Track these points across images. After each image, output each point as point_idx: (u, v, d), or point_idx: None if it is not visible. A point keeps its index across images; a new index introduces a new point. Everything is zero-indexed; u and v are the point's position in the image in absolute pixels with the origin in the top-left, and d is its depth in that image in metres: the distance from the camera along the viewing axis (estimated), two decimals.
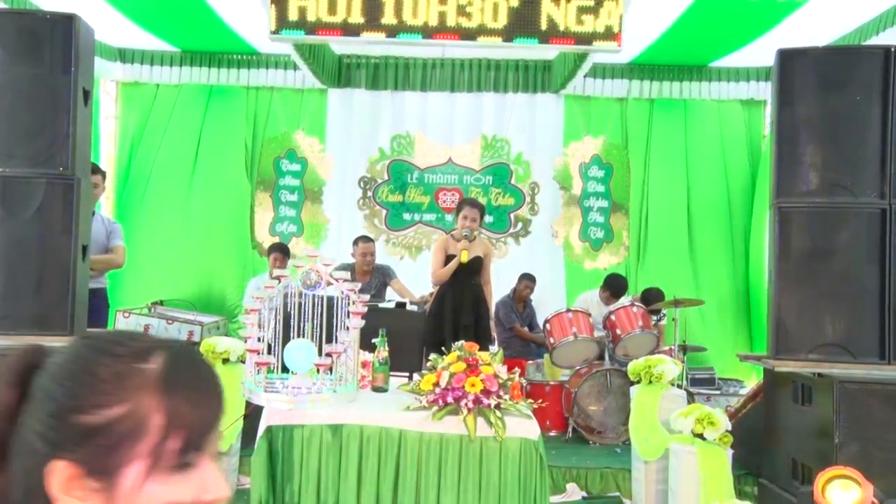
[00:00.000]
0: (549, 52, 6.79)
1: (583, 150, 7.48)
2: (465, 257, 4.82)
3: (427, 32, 4.99)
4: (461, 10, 4.97)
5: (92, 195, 4.14)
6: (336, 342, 3.16)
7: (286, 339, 3.18)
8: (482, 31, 5.01)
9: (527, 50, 6.41)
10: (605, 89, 7.27)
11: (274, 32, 5.02)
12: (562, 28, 5.03)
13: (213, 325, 6.01)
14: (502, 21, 4.99)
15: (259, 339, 3.14)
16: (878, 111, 3.70)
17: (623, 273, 6.91)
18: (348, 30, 5.02)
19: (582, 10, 4.97)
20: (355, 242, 6.01)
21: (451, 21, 4.99)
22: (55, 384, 0.72)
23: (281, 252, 6.37)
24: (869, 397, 3.40)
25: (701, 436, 3.38)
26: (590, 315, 5.58)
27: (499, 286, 6.08)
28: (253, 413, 3.87)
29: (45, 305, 3.56)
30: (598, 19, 5.01)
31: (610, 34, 5.02)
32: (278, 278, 3.26)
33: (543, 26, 5.00)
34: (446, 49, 6.90)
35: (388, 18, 4.99)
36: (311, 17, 5.03)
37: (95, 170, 4.41)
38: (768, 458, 4.02)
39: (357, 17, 5.00)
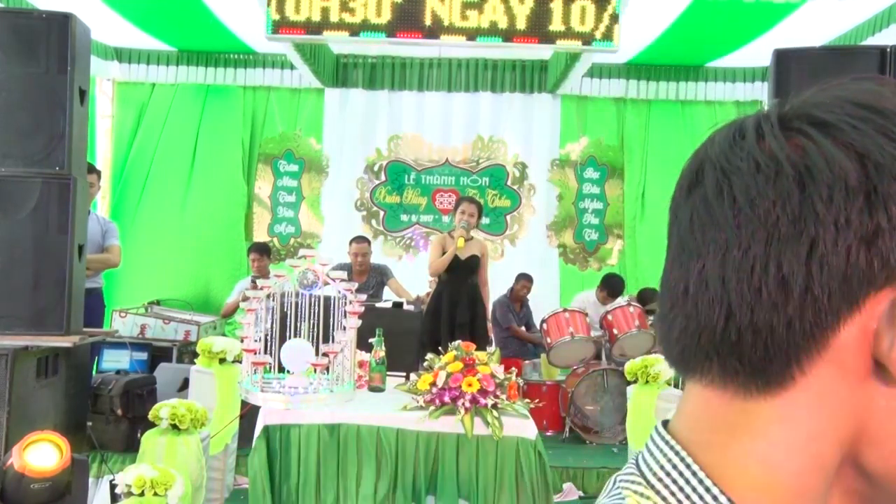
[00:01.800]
0: (546, 51, 6.80)
1: (579, 151, 7.49)
2: (461, 244, 4.83)
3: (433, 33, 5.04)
4: (465, 7, 5.01)
5: (88, 194, 4.14)
6: (333, 342, 3.16)
7: (283, 338, 3.18)
8: (482, 31, 5.05)
9: (525, 49, 6.43)
10: (602, 89, 7.28)
11: (270, 32, 5.03)
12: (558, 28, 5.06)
13: (209, 324, 6.00)
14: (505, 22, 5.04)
15: (256, 339, 3.13)
16: None
17: (618, 273, 6.91)
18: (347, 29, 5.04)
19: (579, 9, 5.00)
20: (350, 243, 6.02)
21: (453, 20, 5.02)
22: None
23: (259, 252, 6.33)
24: None
25: None
26: (586, 315, 5.59)
27: (495, 287, 6.08)
28: (250, 413, 3.87)
29: (42, 305, 3.55)
30: (591, 19, 5.03)
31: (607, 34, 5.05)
32: (277, 275, 3.25)
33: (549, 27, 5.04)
34: (443, 49, 6.90)
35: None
36: (305, 17, 5.03)
37: (91, 169, 4.41)
38: None
39: (360, 17, 5.02)
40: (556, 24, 5.03)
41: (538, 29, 5.03)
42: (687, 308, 0.46)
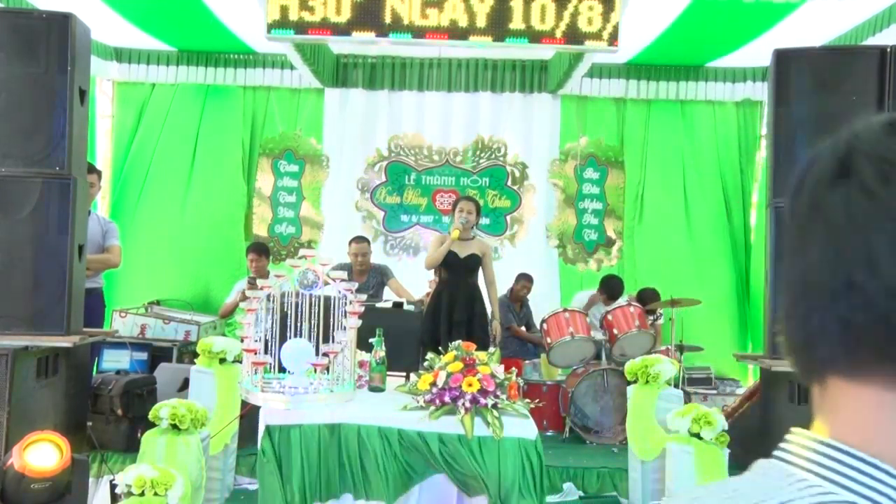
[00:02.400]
0: (546, 51, 6.80)
1: (578, 151, 7.49)
2: (455, 235, 4.86)
3: (420, 32, 5.06)
4: (449, 9, 5.02)
5: (88, 194, 4.14)
6: (333, 342, 3.16)
7: (283, 338, 3.18)
8: (472, 30, 5.06)
9: (524, 49, 6.43)
10: (602, 89, 7.28)
11: (269, 32, 5.04)
12: (556, 28, 5.06)
13: (209, 324, 6.00)
14: (490, 20, 5.05)
15: (256, 340, 3.13)
16: (874, 111, 3.70)
17: (617, 274, 6.90)
18: (340, 29, 5.04)
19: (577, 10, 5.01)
20: (350, 243, 6.02)
21: (442, 20, 5.03)
22: None
23: (257, 252, 6.28)
24: None
25: (698, 435, 3.38)
26: (587, 315, 5.58)
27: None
28: (250, 413, 3.87)
29: (42, 305, 3.55)
30: (593, 19, 5.04)
31: (606, 35, 5.05)
32: (277, 275, 3.25)
33: (536, 26, 5.05)
34: (443, 49, 6.90)
35: (387, 18, 5.03)
36: (306, 17, 5.04)
37: (91, 169, 4.40)
38: (765, 458, 4.02)
39: (349, 16, 5.03)
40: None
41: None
42: (851, 301, 0.43)
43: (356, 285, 3.35)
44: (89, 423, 4.18)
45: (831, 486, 0.44)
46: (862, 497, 0.43)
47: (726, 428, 3.43)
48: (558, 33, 5.05)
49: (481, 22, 5.05)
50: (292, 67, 6.91)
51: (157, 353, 5.45)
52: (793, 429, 0.49)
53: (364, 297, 3.32)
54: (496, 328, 5.19)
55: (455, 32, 5.05)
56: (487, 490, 3.13)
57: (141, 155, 7.26)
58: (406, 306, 5.16)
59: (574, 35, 5.05)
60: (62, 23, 3.62)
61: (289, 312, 3.17)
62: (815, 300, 0.45)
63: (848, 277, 0.43)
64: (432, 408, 3.22)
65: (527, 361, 5.91)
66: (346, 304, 3.16)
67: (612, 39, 5.07)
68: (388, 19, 5.01)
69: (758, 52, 6.17)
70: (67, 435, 3.00)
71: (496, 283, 5.23)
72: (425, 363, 3.59)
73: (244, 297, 3.30)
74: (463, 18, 5.04)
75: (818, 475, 0.45)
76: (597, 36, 5.04)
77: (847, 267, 0.43)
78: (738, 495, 0.48)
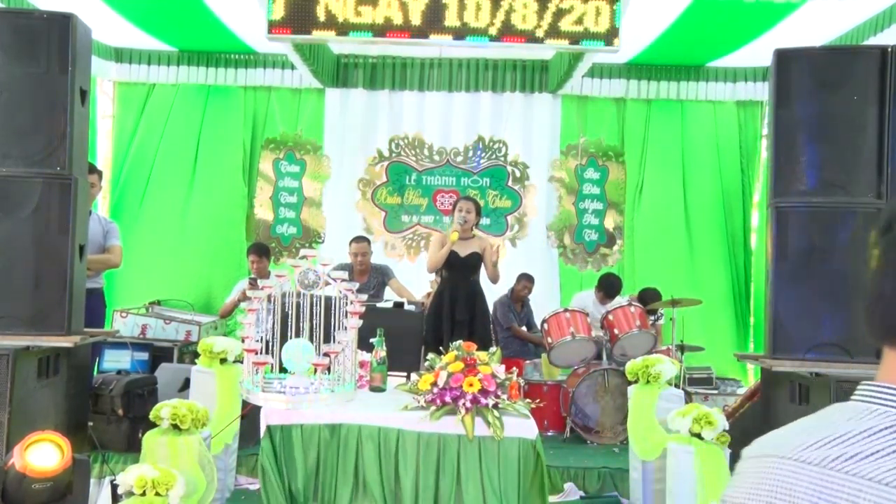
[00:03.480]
0: (547, 51, 6.80)
1: (579, 151, 7.49)
2: (454, 237, 4.88)
3: (422, 32, 5.06)
4: (454, 9, 5.02)
5: (89, 195, 4.14)
6: (334, 342, 3.16)
7: (284, 338, 3.18)
8: (474, 30, 5.06)
9: (524, 49, 6.43)
10: (603, 89, 7.28)
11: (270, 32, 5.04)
12: (558, 28, 5.06)
13: (210, 324, 6.00)
14: (498, 21, 5.04)
15: (257, 340, 3.13)
16: (875, 111, 3.70)
17: (615, 273, 6.90)
18: (342, 29, 5.04)
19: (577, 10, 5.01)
20: (350, 243, 6.02)
21: (446, 21, 5.03)
22: None
23: (258, 254, 6.25)
24: None
25: (699, 435, 3.38)
26: (587, 314, 5.58)
27: (496, 288, 6.08)
28: (250, 413, 3.87)
29: (42, 305, 3.55)
30: (593, 19, 5.04)
31: (608, 34, 5.05)
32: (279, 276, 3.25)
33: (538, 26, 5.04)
34: (444, 49, 6.90)
35: (395, 19, 5.03)
36: (306, 17, 5.04)
37: (92, 169, 4.40)
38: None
39: (353, 17, 5.02)
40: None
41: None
42: (886, 301, 0.74)
43: (357, 285, 3.35)
44: (90, 424, 4.18)
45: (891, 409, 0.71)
46: None
47: (727, 428, 3.43)
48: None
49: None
50: (293, 67, 6.91)
51: (158, 354, 5.46)
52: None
53: (365, 297, 3.32)
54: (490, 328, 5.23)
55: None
56: (488, 490, 3.13)
57: (142, 155, 7.26)
58: (407, 306, 5.16)
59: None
60: (63, 23, 3.62)
61: (290, 312, 3.17)
62: (873, 299, 0.77)
63: (881, 289, 0.75)
64: (433, 408, 3.22)
65: (527, 361, 5.91)
66: (346, 304, 3.16)
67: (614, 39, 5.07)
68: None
69: (758, 52, 6.17)
70: (68, 435, 3.00)
71: (497, 270, 5.11)
72: (426, 363, 3.60)
73: (244, 297, 3.30)
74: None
75: (882, 405, 0.72)
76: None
77: (888, 283, 0.75)
78: (824, 425, 0.73)
